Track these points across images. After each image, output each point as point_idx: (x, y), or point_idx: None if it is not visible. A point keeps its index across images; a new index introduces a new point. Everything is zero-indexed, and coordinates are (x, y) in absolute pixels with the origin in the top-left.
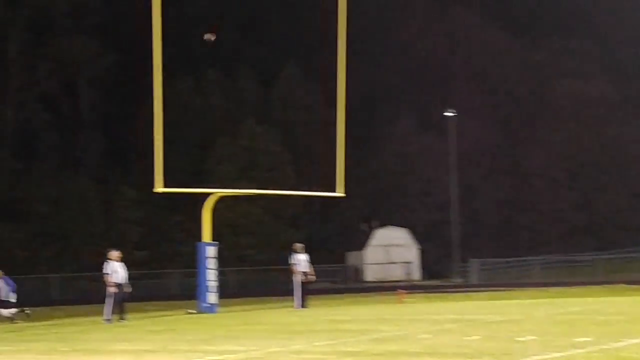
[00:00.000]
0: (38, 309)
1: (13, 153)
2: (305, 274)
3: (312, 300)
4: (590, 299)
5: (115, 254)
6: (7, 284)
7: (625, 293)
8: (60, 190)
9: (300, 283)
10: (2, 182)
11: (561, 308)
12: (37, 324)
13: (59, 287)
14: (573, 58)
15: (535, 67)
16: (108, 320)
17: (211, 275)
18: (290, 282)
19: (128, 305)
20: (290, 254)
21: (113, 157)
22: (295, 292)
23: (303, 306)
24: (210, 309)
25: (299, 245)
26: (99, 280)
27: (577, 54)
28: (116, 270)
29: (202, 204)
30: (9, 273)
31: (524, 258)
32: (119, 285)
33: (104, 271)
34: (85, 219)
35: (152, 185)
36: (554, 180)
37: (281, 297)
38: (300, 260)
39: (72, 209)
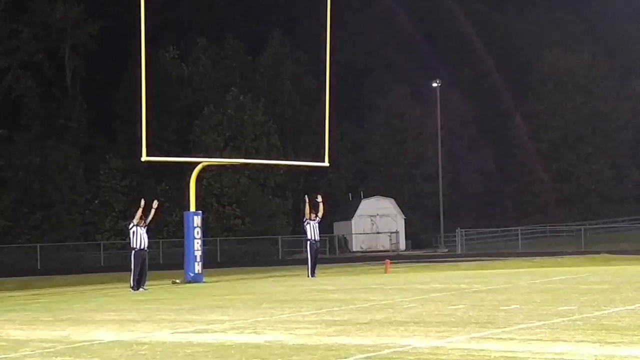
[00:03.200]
0: (20, 278)
1: None
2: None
3: (298, 271)
4: (573, 269)
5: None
6: None
7: (607, 263)
8: (43, 158)
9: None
10: None
11: (545, 277)
12: (19, 293)
13: (42, 256)
14: (558, 29)
15: (520, 39)
16: (133, 287)
17: (197, 245)
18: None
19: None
20: (305, 222)
21: (98, 126)
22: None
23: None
24: (197, 278)
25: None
26: (83, 249)
27: (562, 26)
28: (139, 234)
29: (189, 173)
30: None
31: (509, 228)
32: (141, 251)
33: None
34: (69, 187)
35: (137, 154)
36: (538, 151)
37: (267, 267)
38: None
39: (55, 178)
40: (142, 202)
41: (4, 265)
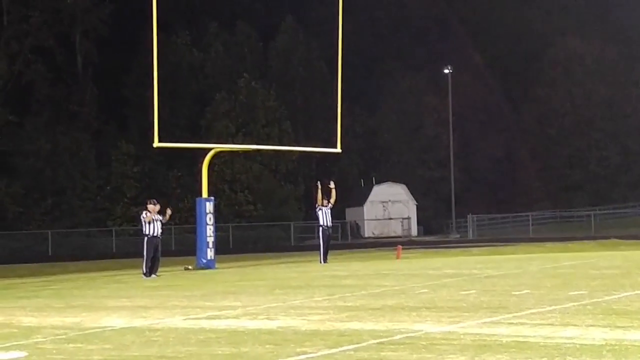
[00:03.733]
0: (32, 265)
1: (6, 106)
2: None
3: (310, 256)
4: (583, 254)
5: (153, 206)
6: None
7: (617, 247)
8: (54, 144)
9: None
10: None
11: (555, 263)
12: (31, 280)
13: (53, 243)
14: (568, 16)
15: (531, 24)
16: (145, 274)
17: (209, 231)
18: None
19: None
20: (317, 208)
21: (109, 111)
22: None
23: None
24: (209, 264)
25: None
26: (94, 236)
27: (573, 12)
28: (153, 221)
29: (200, 159)
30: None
31: (519, 214)
32: (152, 238)
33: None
34: (80, 173)
35: (149, 140)
36: (549, 138)
37: (279, 253)
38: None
39: (67, 164)
40: (157, 206)
41: (15, 251)
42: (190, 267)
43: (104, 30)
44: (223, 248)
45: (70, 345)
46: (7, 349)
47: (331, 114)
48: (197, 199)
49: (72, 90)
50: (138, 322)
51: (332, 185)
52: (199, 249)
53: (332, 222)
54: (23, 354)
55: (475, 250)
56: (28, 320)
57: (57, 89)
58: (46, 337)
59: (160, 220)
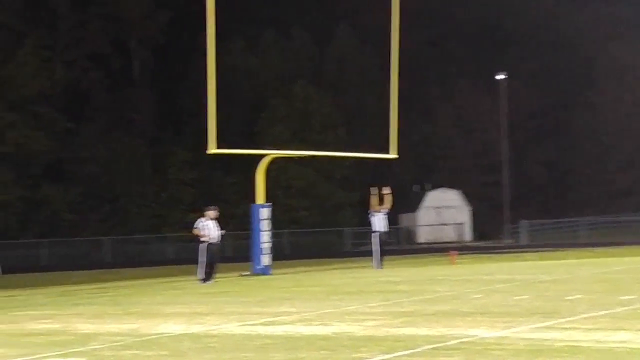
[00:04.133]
0: (88, 271)
1: (62, 112)
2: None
3: (364, 262)
4: (635, 259)
5: (212, 213)
6: None
7: None
8: (110, 151)
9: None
10: (51, 142)
11: (606, 267)
12: (87, 286)
13: (109, 249)
14: (620, 23)
15: (583, 32)
16: (202, 279)
17: (265, 237)
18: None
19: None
20: (370, 214)
21: (165, 118)
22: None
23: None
24: (264, 270)
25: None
26: (150, 242)
27: (624, 20)
28: (209, 228)
29: (255, 165)
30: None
31: (572, 219)
32: (210, 245)
33: (195, 226)
34: (137, 180)
35: (205, 146)
36: (600, 144)
37: (333, 259)
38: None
39: (123, 170)
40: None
41: (72, 258)
42: (246, 273)
43: (160, 37)
44: (279, 254)
45: (128, 351)
46: (65, 355)
47: (386, 120)
48: (252, 205)
49: (128, 97)
50: (195, 328)
51: (386, 191)
52: (254, 255)
53: (387, 228)
54: None
55: (527, 255)
56: (85, 327)
57: (114, 96)
58: (103, 343)
59: (219, 227)
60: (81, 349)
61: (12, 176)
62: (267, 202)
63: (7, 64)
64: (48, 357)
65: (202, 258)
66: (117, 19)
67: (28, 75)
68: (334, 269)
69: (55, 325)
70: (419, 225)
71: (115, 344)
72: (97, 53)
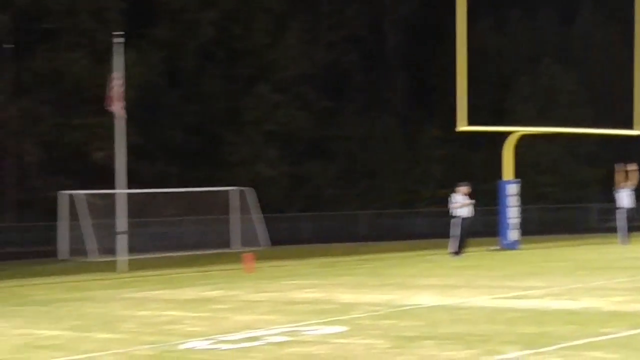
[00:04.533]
0: (345, 244)
1: (323, 93)
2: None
3: (610, 238)
4: None
5: (463, 189)
6: None
7: None
8: (367, 129)
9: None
10: (312, 121)
11: None
12: (346, 259)
13: (366, 223)
14: None
15: None
16: (454, 253)
17: (512, 213)
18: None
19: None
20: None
21: (417, 97)
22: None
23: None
24: (512, 245)
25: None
26: (402, 217)
27: None
28: (462, 204)
29: (502, 142)
30: (318, 209)
31: None
32: (463, 220)
33: (454, 201)
34: (390, 157)
35: (454, 124)
36: None
37: (580, 235)
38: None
39: (378, 148)
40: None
41: (332, 231)
42: (493, 247)
43: (413, 19)
44: (525, 229)
45: (385, 321)
46: (329, 323)
47: (631, 97)
48: (500, 182)
49: (383, 78)
50: (447, 300)
51: (632, 167)
52: (502, 230)
53: (634, 204)
54: (344, 328)
55: None
56: (346, 296)
57: (370, 77)
58: (363, 313)
59: (472, 203)
60: (343, 317)
61: (278, 153)
62: (514, 179)
63: (274, 47)
64: (313, 324)
65: (455, 232)
66: (372, 3)
67: (292, 58)
68: (580, 244)
69: (319, 295)
70: None
71: (374, 313)
72: (355, 35)
